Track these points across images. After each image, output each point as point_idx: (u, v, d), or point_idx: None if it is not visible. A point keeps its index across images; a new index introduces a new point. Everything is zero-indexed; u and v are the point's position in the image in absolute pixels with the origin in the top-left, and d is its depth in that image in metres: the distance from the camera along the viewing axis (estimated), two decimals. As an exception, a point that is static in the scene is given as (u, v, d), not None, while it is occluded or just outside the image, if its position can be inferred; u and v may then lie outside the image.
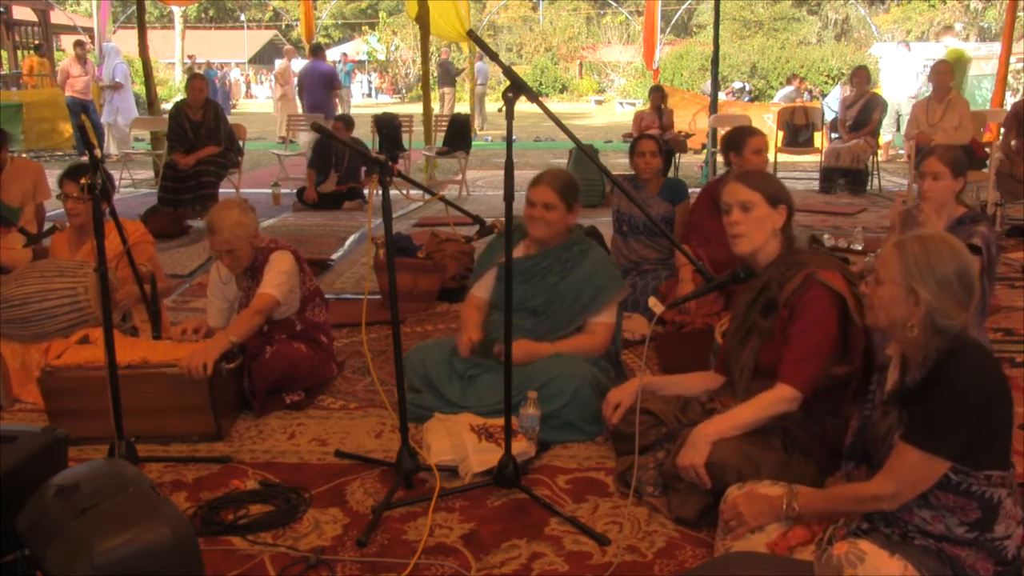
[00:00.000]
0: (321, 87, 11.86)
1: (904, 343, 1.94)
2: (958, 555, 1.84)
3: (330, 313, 3.77)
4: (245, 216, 3.38)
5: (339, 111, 12.36)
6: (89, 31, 15.70)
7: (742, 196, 2.55)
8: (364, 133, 10.29)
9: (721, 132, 10.65)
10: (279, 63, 17.94)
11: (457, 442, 2.86)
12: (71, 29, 18.39)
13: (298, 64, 17.27)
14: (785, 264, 2.52)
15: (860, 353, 2.46)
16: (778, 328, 2.48)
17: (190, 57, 23.73)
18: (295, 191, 8.58)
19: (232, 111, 24.84)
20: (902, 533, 1.90)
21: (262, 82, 35.03)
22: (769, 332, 2.50)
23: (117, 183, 8.93)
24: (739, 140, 4.41)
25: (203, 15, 38.96)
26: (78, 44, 12.86)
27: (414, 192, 7.41)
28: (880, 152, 10.10)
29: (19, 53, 17.22)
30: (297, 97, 14.05)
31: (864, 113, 9.23)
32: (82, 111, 12.11)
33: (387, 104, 27.63)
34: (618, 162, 11.40)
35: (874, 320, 2.00)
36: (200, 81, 7.65)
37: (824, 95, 15.03)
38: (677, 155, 9.87)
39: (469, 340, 3.28)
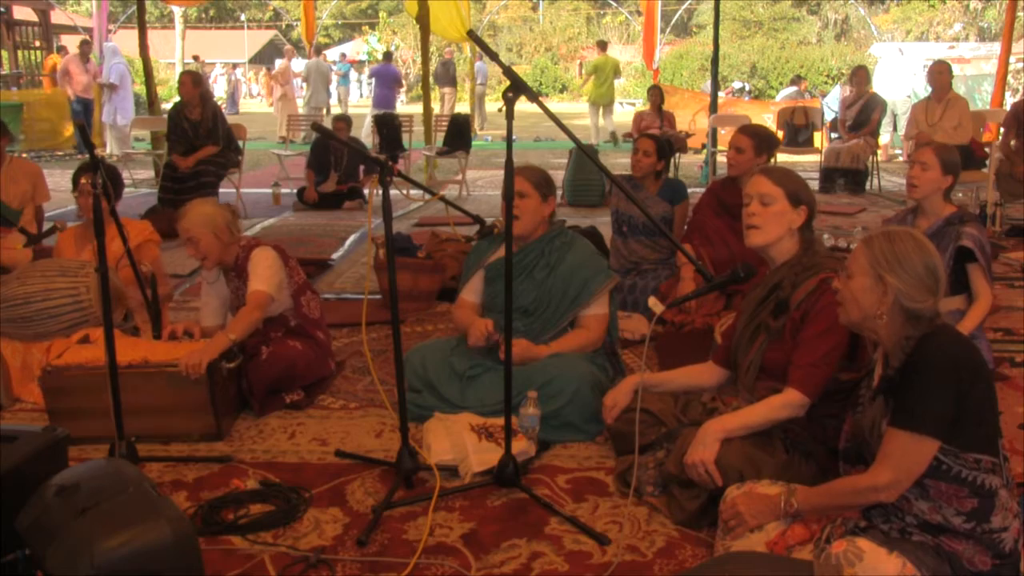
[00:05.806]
0: (391, 85, 15.12)
1: (877, 335, 1.97)
2: (956, 550, 1.84)
3: (324, 309, 3.74)
4: (217, 212, 3.41)
5: (337, 111, 12.44)
6: (89, 31, 15.70)
7: (763, 189, 2.52)
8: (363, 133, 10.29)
9: (721, 132, 10.72)
10: (279, 63, 17.92)
11: (457, 442, 2.86)
12: (71, 29, 18.36)
13: (298, 64, 17.29)
14: (801, 266, 2.49)
15: (867, 362, 2.45)
16: (789, 330, 2.46)
17: (195, 58, 23.66)
18: (295, 191, 8.59)
19: (240, 111, 24.80)
20: (900, 528, 1.90)
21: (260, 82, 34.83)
22: (779, 332, 2.48)
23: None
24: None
25: (203, 15, 38.92)
26: (83, 43, 12.87)
27: (414, 192, 7.41)
28: (879, 152, 10.10)
29: (19, 53, 17.21)
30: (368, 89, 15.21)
31: (864, 113, 9.22)
32: (84, 110, 12.12)
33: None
34: (618, 162, 11.39)
35: (847, 316, 2.02)
36: (187, 77, 7.59)
37: (824, 95, 15.01)
38: (677, 155, 9.87)
39: (484, 326, 3.20)
